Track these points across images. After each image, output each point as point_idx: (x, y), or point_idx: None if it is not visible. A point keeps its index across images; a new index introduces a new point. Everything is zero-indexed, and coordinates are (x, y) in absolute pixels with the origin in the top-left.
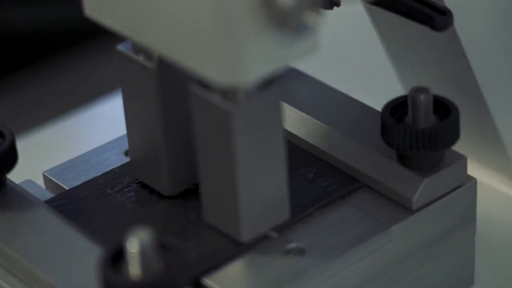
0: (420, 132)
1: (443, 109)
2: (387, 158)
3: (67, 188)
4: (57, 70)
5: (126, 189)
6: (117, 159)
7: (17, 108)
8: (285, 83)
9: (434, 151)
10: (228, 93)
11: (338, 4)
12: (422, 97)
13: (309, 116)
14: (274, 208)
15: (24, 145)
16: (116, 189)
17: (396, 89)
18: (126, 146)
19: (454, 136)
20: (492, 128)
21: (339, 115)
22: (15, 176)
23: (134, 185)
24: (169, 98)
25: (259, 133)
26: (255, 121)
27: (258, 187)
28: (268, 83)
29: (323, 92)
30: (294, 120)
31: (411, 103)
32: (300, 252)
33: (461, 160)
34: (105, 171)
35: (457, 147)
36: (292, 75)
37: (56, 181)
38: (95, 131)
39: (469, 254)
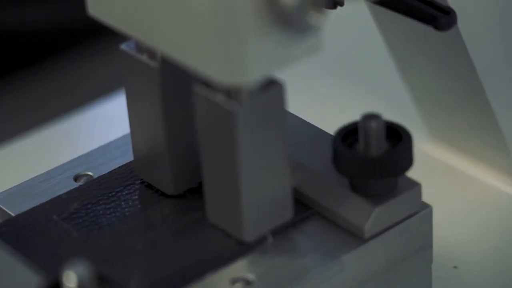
0: (371, 160)
1: (396, 135)
2: (339, 185)
3: (13, 215)
4: (57, 70)
5: (73, 216)
6: (66, 184)
7: (14, 109)
8: None
9: (385, 178)
10: (231, 93)
11: (341, 4)
12: (373, 124)
13: None
14: (277, 207)
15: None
16: (63, 216)
17: (398, 89)
18: (76, 171)
19: (407, 163)
20: (495, 127)
21: (291, 139)
22: None
23: (82, 211)
24: (172, 97)
25: (262, 133)
26: (258, 121)
27: (261, 187)
28: (271, 83)
29: None
30: None
31: (362, 131)
32: (247, 283)
33: (415, 187)
34: (53, 196)
35: (460, 147)
36: None
37: (2, 207)
38: (95, 131)
39: (426, 283)
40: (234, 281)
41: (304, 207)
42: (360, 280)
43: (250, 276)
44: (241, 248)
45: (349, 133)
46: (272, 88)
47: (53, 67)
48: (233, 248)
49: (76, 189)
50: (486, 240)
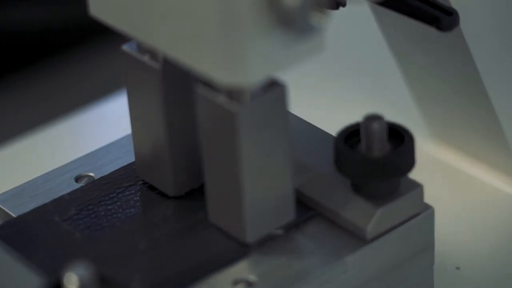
0: (374, 161)
1: (398, 136)
2: (341, 187)
3: (14, 216)
4: (58, 70)
5: (75, 217)
6: (68, 185)
7: (15, 109)
8: None
9: (388, 180)
10: (233, 94)
11: (343, 5)
12: (375, 125)
13: None
14: (279, 208)
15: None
16: (65, 217)
17: (400, 90)
18: (77, 172)
19: (409, 164)
20: (497, 128)
21: (293, 140)
22: None
23: (84, 211)
24: (174, 98)
25: (264, 133)
26: (260, 122)
27: (263, 188)
28: (273, 83)
29: None
30: None
31: (364, 132)
32: (249, 284)
33: (417, 188)
34: (55, 197)
35: (463, 148)
36: None
37: (3, 208)
38: (97, 132)
39: (428, 283)
40: (236, 282)
41: (306, 208)
42: (362, 281)
43: (252, 277)
44: (243, 250)
45: (352, 134)
46: (274, 89)
47: (54, 67)
48: (235, 250)
49: (77, 190)
50: (488, 241)
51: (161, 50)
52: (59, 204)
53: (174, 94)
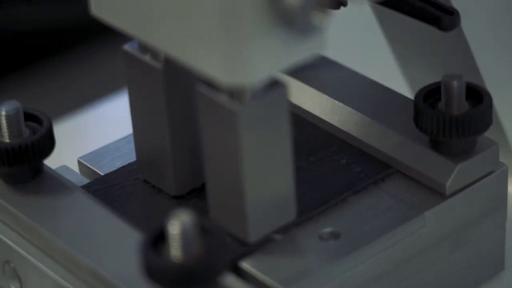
0: (453, 119)
1: (476, 96)
2: (420, 144)
3: (102, 174)
4: (59, 69)
5: None
6: None
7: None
8: (316, 71)
9: (466, 137)
10: (234, 93)
11: (345, 4)
12: (455, 83)
13: (341, 103)
14: (280, 208)
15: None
16: None
17: (401, 89)
18: None
19: (487, 122)
20: (498, 127)
21: (371, 102)
22: (51, 162)
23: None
24: (176, 98)
25: (265, 133)
26: (262, 121)
27: (265, 187)
28: (275, 83)
29: (355, 79)
30: (326, 108)
31: (444, 90)
32: (335, 236)
33: (493, 146)
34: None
35: None
36: (322, 62)
37: (91, 167)
38: (98, 132)
39: (500, 239)
40: (322, 236)
41: (385, 166)
42: (441, 236)
43: (337, 230)
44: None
45: (431, 92)
46: (275, 88)
47: (54, 67)
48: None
49: None
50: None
51: (162, 49)
52: None
53: (175, 93)
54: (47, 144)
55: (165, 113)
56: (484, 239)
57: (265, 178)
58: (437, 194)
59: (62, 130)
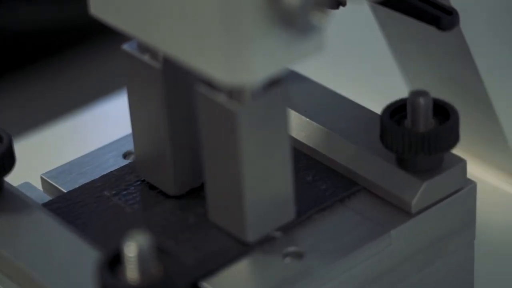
0: (419, 136)
1: (443, 112)
2: (386, 162)
3: (65, 191)
4: (59, 69)
5: (124, 192)
6: (115, 162)
7: (16, 108)
8: None
9: (433, 155)
10: (233, 93)
11: (344, 4)
12: (421, 100)
13: (308, 119)
14: (279, 208)
15: (23, 148)
16: (114, 192)
17: (401, 89)
18: (125, 149)
19: (454, 139)
20: (497, 127)
21: (338, 118)
22: (13, 179)
23: (132, 187)
24: (175, 97)
25: (265, 133)
26: (261, 121)
27: (264, 187)
28: (274, 83)
29: (323, 95)
30: (293, 123)
31: (411, 107)
32: (299, 255)
33: (461, 163)
34: (103, 173)
35: (462, 146)
36: (291, 77)
37: (54, 183)
38: (97, 131)
39: (469, 258)
40: (285, 254)
41: (351, 183)
42: (407, 255)
43: (301, 250)
44: (291, 223)
45: (397, 109)
46: (274, 88)
47: (54, 67)
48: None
49: (126, 165)
50: (486, 240)
51: (161, 49)
52: (108, 179)
53: (174, 93)
54: (7, 161)
55: (164, 113)
56: (452, 258)
57: (264, 178)
58: (403, 212)
59: (62, 130)
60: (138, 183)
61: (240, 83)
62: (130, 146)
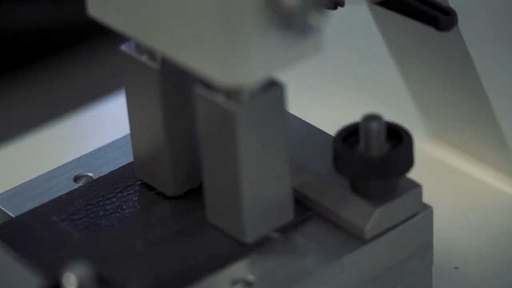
0: (371, 161)
1: (397, 136)
2: (340, 186)
3: (13, 216)
4: (57, 70)
5: (73, 217)
6: (66, 185)
7: (16, 109)
8: None
9: (386, 179)
10: (232, 94)
11: (342, 5)
12: (374, 125)
13: None
14: (278, 208)
15: (23, 148)
16: (63, 217)
17: (399, 90)
18: (76, 172)
19: (408, 164)
20: (496, 127)
21: (292, 140)
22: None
23: (83, 212)
24: (173, 98)
25: (263, 134)
26: (259, 122)
27: (262, 188)
28: (272, 83)
29: None
30: None
31: (363, 131)
32: (248, 284)
33: (416, 188)
34: (53, 197)
35: (461, 147)
36: None
37: (2, 208)
38: (96, 132)
39: (427, 284)
40: (234, 282)
41: (304, 208)
42: (361, 281)
43: (251, 277)
44: (241, 249)
45: (350, 134)
46: (272, 89)
47: (54, 67)
48: (233, 250)
49: (76, 190)
50: (486, 241)
51: (159, 50)
52: (58, 204)
53: (172, 94)
54: None
55: (162, 114)
56: (410, 283)
57: (263, 178)
58: (357, 238)
59: (62, 130)
60: (88, 207)
61: (238, 83)
62: (81, 170)
